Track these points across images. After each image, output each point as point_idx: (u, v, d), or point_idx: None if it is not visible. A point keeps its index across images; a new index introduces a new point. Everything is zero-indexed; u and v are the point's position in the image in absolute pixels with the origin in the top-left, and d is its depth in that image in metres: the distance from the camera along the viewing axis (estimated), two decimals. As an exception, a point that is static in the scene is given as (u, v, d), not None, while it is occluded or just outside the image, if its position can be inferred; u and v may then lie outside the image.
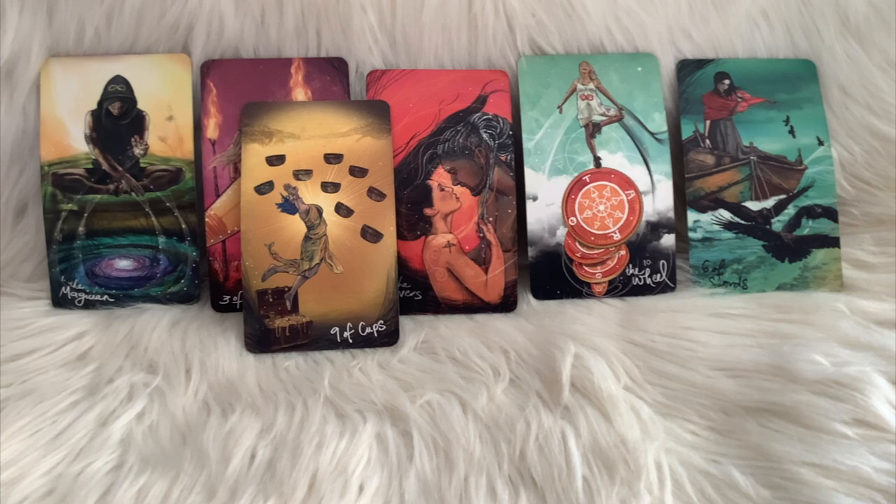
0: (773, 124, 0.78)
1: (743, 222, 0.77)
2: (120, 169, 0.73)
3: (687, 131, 0.78)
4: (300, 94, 0.75)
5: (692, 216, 0.77)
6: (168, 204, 0.73)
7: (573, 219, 0.75)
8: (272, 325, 0.69)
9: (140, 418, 0.61)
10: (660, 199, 0.76)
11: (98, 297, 0.73)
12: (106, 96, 0.74)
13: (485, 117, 0.76)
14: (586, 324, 0.70)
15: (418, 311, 0.74)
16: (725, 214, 0.77)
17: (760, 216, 0.77)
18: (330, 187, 0.71)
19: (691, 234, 0.76)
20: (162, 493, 0.55)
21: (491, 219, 0.74)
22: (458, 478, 0.56)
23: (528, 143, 0.76)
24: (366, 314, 0.70)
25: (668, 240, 0.76)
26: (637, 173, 0.76)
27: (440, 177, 0.75)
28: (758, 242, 0.76)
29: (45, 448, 0.58)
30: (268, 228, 0.70)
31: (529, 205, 0.75)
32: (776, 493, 0.54)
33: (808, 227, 0.77)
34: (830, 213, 0.77)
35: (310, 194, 0.71)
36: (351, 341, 0.69)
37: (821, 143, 0.78)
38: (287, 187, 0.71)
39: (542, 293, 0.75)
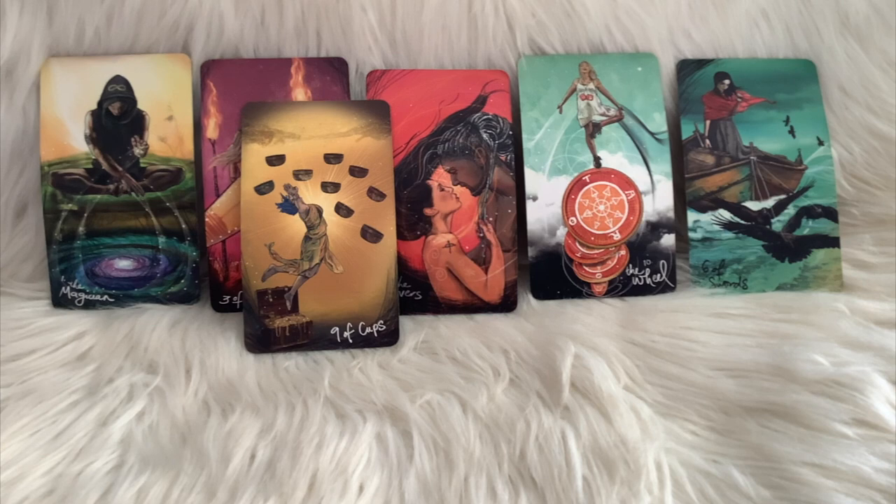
0: (773, 124, 0.78)
1: (743, 222, 0.77)
2: (120, 169, 0.73)
3: (687, 131, 0.78)
4: (300, 94, 0.75)
5: (692, 216, 0.77)
6: (168, 204, 0.73)
7: (573, 219, 0.75)
8: (272, 325, 0.69)
9: (140, 418, 0.61)
10: (660, 199, 0.76)
11: (98, 297, 0.73)
12: (106, 96, 0.74)
13: (485, 117, 0.76)
14: (586, 324, 0.70)
15: (418, 311, 0.74)
16: (725, 214, 0.77)
17: (760, 216, 0.77)
18: (330, 187, 0.71)
19: (691, 234, 0.76)
20: (162, 493, 0.55)
21: (491, 219, 0.74)
22: (458, 478, 0.56)
23: (528, 143, 0.76)
24: (366, 314, 0.70)
25: (668, 240, 0.76)
26: (637, 173, 0.76)
27: (440, 177, 0.75)
28: (758, 242, 0.76)
29: (45, 448, 0.58)
30: (268, 228, 0.70)
31: (529, 205, 0.75)
32: (776, 493, 0.54)
33: (808, 227, 0.77)
34: (830, 213, 0.77)
35: (310, 194, 0.71)
36: (351, 341, 0.70)
37: (821, 143, 0.78)
38: (287, 187, 0.71)
39: (542, 293, 0.75)
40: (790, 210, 0.77)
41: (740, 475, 0.55)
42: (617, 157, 0.76)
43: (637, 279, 0.75)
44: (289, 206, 0.71)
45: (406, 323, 0.72)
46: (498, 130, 0.76)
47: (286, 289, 0.70)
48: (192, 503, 0.54)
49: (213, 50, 0.76)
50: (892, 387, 0.60)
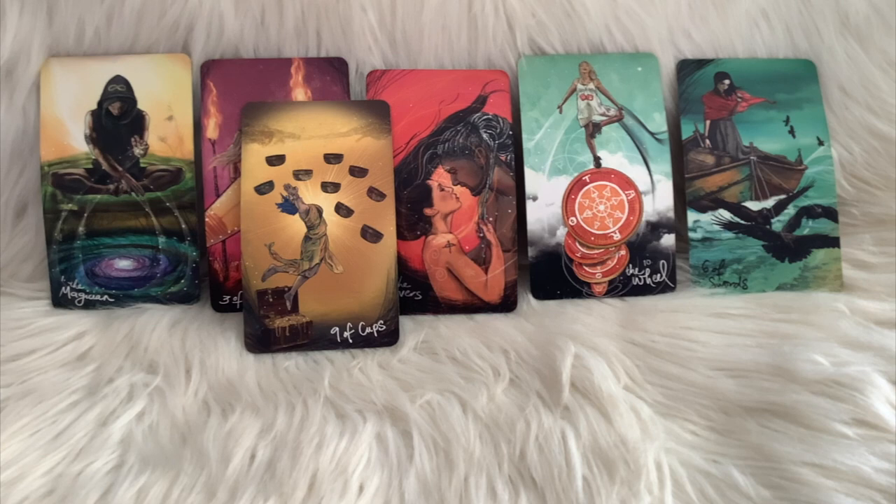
0: (773, 124, 0.78)
1: (743, 222, 0.77)
2: (120, 169, 0.73)
3: (687, 131, 0.78)
4: (300, 94, 0.75)
5: (692, 216, 0.77)
6: (168, 204, 0.73)
7: (573, 219, 0.75)
8: (272, 325, 0.69)
9: (140, 418, 0.61)
10: (660, 199, 0.76)
11: (98, 297, 0.73)
12: (106, 96, 0.74)
13: (485, 117, 0.76)
14: (586, 324, 0.70)
15: (418, 311, 0.74)
16: (725, 214, 0.77)
17: (760, 216, 0.77)
18: (330, 187, 0.71)
19: (691, 234, 0.76)
20: (162, 493, 0.55)
21: (491, 219, 0.74)
22: (458, 478, 0.56)
23: (528, 143, 0.76)
24: (366, 314, 0.70)
25: (668, 240, 0.76)
26: (637, 173, 0.76)
27: (440, 177, 0.75)
28: (758, 242, 0.76)
29: (45, 448, 0.58)
30: (268, 228, 0.70)
31: (529, 205, 0.75)
32: (776, 493, 0.54)
33: (808, 227, 0.77)
34: (830, 213, 0.77)
35: (310, 194, 0.71)
36: (351, 341, 0.70)
37: (821, 143, 0.78)
38: (287, 187, 0.71)
39: (542, 293, 0.75)
40: (790, 210, 0.77)
41: (740, 475, 0.55)
42: (617, 157, 0.76)
43: (637, 279, 0.75)
44: (289, 206, 0.71)
45: (406, 323, 0.72)
46: (498, 130, 0.76)
47: (286, 289, 0.70)
48: (192, 503, 0.54)
49: (213, 50, 0.76)
50: (892, 387, 0.60)
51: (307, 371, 0.67)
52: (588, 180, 0.76)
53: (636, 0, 0.77)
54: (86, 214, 0.73)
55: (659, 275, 0.76)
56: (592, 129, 0.77)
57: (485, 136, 0.75)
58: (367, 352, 0.69)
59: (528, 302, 0.74)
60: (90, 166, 0.73)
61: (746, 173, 0.77)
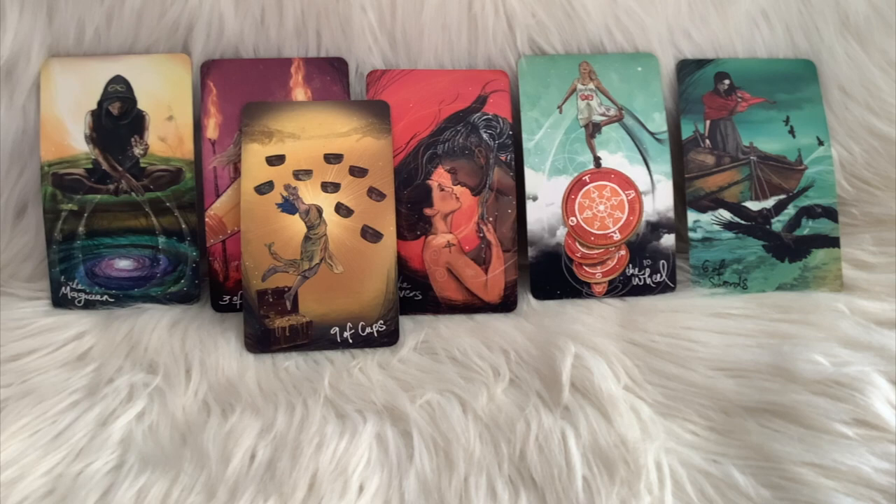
0: (773, 124, 0.78)
1: (743, 222, 0.77)
2: (120, 169, 0.73)
3: (687, 131, 0.78)
4: (300, 94, 0.76)
5: (692, 216, 0.77)
6: (168, 204, 0.73)
7: (573, 219, 0.75)
8: (272, 325, 0.69)
9: (140, 418, 0.61)
10: (660, 199, 0.76)
11: (98, 297, 0.73)
12: (106, 96, 0.74)
13: (485, 117, 0.76)
14: (586, 324, 0.70)
15: (418, 311, 0.74)
16: (725, 214, 0.77)
17: (760, 216, 0.77)
18: (330, 187, 0.71)
19: (691, 234, 0.76)
20: (162, 493, 0.55)
21: (491, 219, 0.74)
22: (458, 478, 0.56)
23: (528, 143, 0.76)
24: (366, 314, 0.70)
25: (668, 240, 0.76)
26: (637, 173, 0.76)
27: (440, 177, 0.75)
28: (758, 242, 0.76)
29: (45, 448, 0.58)
30: (268, 228, 0.70)
31: (529, 205, 0.75)
32: (776, 493, 0.54)
33: (808, 227, 0.77)
34: (830, 213, 0.77)
35: (310, 194, 0.71)
36: (351, 341, 0.70)
37: (821, 143, 0.78)
38: (287, 187, 0.71)
39: (542, 293, 0.75)
40: (790, 210, 0.77)
41: (740, 475, 0.55)
42: (617, 157, 0.76)
43: (637, 279, 0.75)
44: (289, 206, 0.71)
45: (406, 323, 0.72)
46: (498, 130, 0.76)
47: (286, 289, 0.70)
48: (192, 503, 0.54)
49: (213, 50, 0.76)
50: (892, 387, 0.60)
51: (307, 371, 0.67)
52: (588, 180, 0.76)
53: (636, 0, 0.77)
54: (86, 214, 0.73)
55: (659, 275, 0.76)
56: (592, 129, 0.77)
57: (485, 136, 0.75)
58: (367, 352, 0.69)
59: (528, 302, 0.74)
60: (90, 166, 0.73)
61: (746, 173, 0.77)
